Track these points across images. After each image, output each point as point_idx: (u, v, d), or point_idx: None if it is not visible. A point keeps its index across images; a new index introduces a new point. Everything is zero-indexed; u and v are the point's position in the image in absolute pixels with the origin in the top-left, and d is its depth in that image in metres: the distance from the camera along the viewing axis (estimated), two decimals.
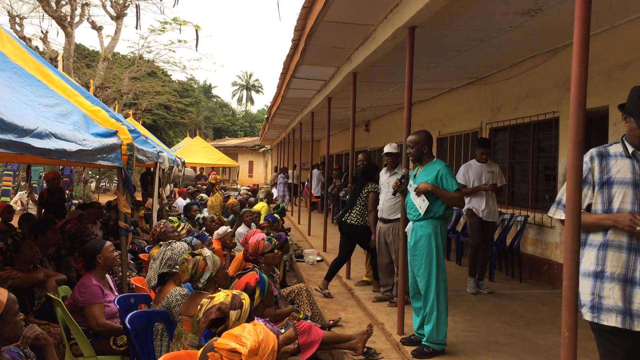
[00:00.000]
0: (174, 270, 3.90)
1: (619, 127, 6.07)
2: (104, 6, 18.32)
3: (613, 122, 6.17)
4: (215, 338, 2.60)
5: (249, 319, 2.81)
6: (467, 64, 8.09)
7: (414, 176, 4.75)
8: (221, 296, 2.87)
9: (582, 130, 2.37)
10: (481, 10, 5.52)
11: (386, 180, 6.26)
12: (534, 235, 7.75)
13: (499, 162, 9.06)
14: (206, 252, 3.57)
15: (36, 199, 9.41)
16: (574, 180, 2.37)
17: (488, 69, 8.60)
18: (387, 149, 6.35)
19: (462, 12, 5.54)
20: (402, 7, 5.01)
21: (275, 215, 9.22)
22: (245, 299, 2.91)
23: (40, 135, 2.93)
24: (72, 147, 3.36)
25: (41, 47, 19.14)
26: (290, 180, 19.45)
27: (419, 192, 4.50)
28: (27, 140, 2.79)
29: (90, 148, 3.73)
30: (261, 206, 10.02)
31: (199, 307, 2.92)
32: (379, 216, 6.32)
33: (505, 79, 8.46)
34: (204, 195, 13.66)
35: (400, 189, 4.94)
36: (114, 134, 4.47)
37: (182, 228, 6.40)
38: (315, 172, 17.23)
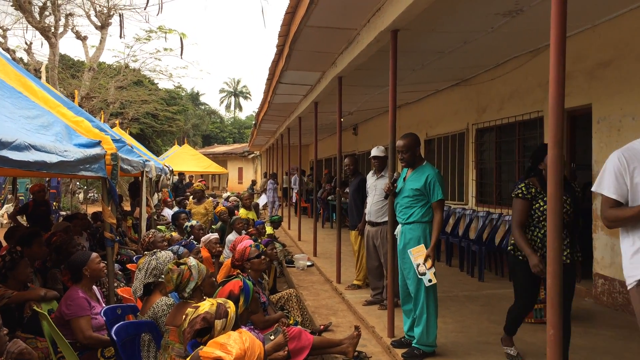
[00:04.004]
0: (159, 279, 3.87)
1: (602, 124, 6.12)
2: (88, 16, 18.22)
3: (596, 120, 6.22)
4: (201, 347, 2.58)
5: (235, 327, 2.79)
6: (452, 66, 8.13)
7: (404, 179, 4.76)
8: (206, 305, 2.85)
9: (561, 129, 2.39)
10: (463, 13, 5.55)
11: (373, 183, 6.27)
12: None
13: (486, 162, 9.11)
14: (191, 261, 3.54)
15: None
16: (554, 179, 2.38)
17: (472, 70, 8.65)
18: (374, 152, 6.36)
19: (444, 15, 5.57)
20: (384, 10, 5.02)
21: (268, 229, 9.19)
22: (231, 307, 2.89)
23: (19, 148, 2.90)
24: (52, 158, 3.32)
25: (25, 58, 19.01)
26: (285, 185, 19.63)
27: (426, 264, 4.40)
28: (5, 152, 2.76)
29: (72, 159, 3.69)
30: (245, 213, 9.98)
31: (184, 316, 2.89)
32: (366, 219, 6.33)
33: (489, 80, 8.52)
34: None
35: (392, 192, 4.92)
36: (97, 144, 4.43)
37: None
38: (295, 177, 17.48)
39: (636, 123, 5.62)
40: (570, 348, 4.52)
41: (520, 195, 4.11)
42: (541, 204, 3.99)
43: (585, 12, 5.71)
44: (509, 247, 4.25)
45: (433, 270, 4.40)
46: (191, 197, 11.47)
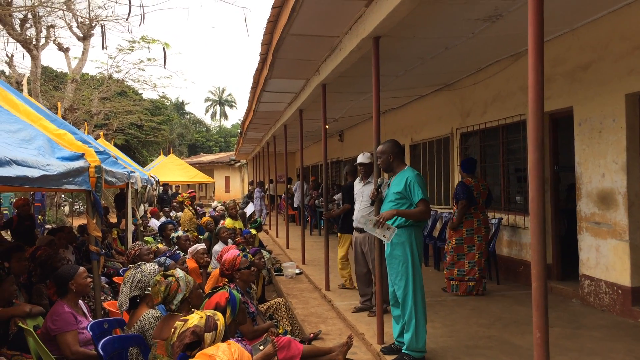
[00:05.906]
0: (145, 292, 3.84)
1: (583, 127, 6.20)
2: (70, 27, 18.08)
3: (578, 122, 6.30)
4: None
5: (224, 339, 2.77)
6: (434, 71, 8.19)
7: (388, 185, 4.78)
8: (195, 318, 2.83)
9: (542, 132, 2.42)
10: (443, 19, 5.60)
11: (360, 189, 6.29)
12: (508, 236, 7.84)
13: None
14: (179, 272, 3.52)
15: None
16: (536, 182, 2.40)
17: (455, 75, 8.72)
18: (360, 159, 6.38)
19: (424, 21, 5.61)
20: (365, 18, 5.06)
21: (252, 230, 9.18)
22: (220, 319, 2.87)
23: (0, 163, 2.88)
24: (34, 173, 3.29)
25: (7, 71, 18.82)
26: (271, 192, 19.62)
27: (380, 223, 4.41)
28: None
29: (55, 173, 3.66)
30: (231, 223, 9.95)
31: (172, 329, 2.87)
32: (354, 225, 6.34)
33: (472, 84, 8.59)
34: (179, 214, 13.54)
35: (378, 198, 4.93)
36: (80, 157, 4.40)
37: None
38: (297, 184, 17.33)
39: (617, 124, 5.70)
40: (558, 349, 4.57)
41: None
42: None
43: (564, 16, 5.78)
44: None
45: (390, 227, 4.40)
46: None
